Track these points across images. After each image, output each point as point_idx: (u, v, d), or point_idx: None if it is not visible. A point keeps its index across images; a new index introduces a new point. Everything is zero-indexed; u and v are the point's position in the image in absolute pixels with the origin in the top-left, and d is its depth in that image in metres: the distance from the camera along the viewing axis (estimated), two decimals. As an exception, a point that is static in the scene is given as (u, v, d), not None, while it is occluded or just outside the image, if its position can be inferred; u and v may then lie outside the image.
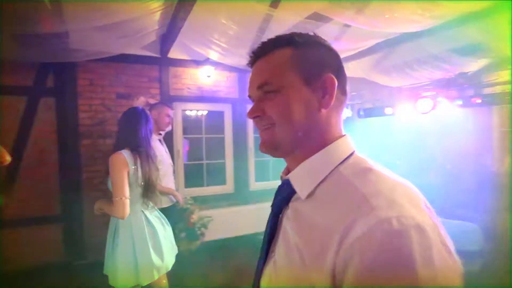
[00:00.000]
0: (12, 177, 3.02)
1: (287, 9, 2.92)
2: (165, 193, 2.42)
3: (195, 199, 3.83)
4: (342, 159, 0.55)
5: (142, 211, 1.84)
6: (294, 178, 0.58)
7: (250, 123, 4.39)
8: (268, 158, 4.61)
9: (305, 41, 0.59)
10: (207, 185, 4.22)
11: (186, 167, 4.06)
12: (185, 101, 3.94)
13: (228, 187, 4.29)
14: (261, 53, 0.60)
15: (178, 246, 3.47)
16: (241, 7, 2.90)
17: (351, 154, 0.56)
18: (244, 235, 3.96)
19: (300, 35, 0.60)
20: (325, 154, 0.56)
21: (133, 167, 1.74)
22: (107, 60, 3.15)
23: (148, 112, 1.95)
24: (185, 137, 4.09)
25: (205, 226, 3.67)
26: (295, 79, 0.56)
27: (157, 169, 1.92)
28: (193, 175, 4.16)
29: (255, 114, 0.60)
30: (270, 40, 0.60)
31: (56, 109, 3.16)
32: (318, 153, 0.56)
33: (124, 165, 1.70)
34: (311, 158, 0.56)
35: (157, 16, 2.65)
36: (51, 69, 3.11)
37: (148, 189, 1.84)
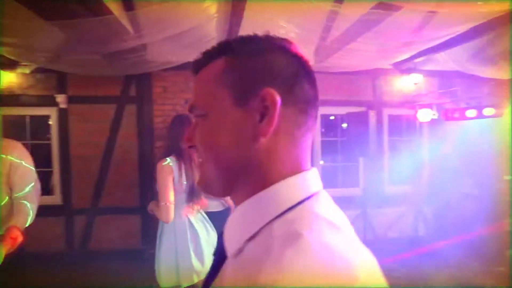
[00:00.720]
0: (105, 173, 3.60)
1: (352, 2, 2.63)
2: (215, 197, 2.47)
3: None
4: (285, 208, 0.39)
5: (187, 215, 1.91)
6: (227, 226, 0.46)
7: (317, 126, 4.17)
8: (335, 163, 4.30)
9: (246, 47, 0.45)
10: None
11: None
12: (249, 104, 3.98)
13: (291, 192, 4.16)
14: (197, 67, 0.48)
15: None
16: (301, 8, 2.74)
17: (304, 200, 0.40)
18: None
19: (241, 39, 0.46)
20: (260, 200, 0.41)
21: (177, 173, 1.82)
22: (178, 69, 3.43)
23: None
24: None
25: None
26: (225, 99, 0.43)
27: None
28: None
29: (188, 144, 0.49)
30: (207, 50, 0.48)
31: (137, 114, 3.62)
32: (252, 197, 0.42)
33: (169, 172, 1.79)
34: (244, 204, 0.43)
35: (214, 23, 2.73)
36: (133, 80, 3.57)
37: (193, 194, 1.90)
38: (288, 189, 0.41)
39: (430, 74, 4.06)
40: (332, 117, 4.29)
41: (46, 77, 3.56)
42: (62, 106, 3.53)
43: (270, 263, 0.32)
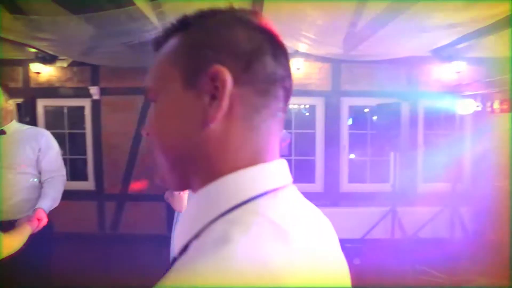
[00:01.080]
0: (133, 160, 3.77)
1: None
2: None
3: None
4: (231, 206, 0.34)
5: (201, 205, 1.91)
6: (178, 223, 0.42)
7: (345, 118, 3.98)
8: (366, 157, 4.09)
9: (202, 22, 0.39)
10: (294, 182, 4.09)
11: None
12: (274, 95, 3.90)
13: (316, 186, 4.05)
14: (156, 46, 0.43)
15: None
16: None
17: (257, 197, 0.35)
18: (329, 239, 3.66)
19: (200, 14, 0.40)
20: (205, 195, 0.37)
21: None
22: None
23: None
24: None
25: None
26: (175, 80, 0.38)
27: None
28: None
29: (144, 131, 0.44)
30: (166, 27, 0.43)
31: (164, 105, 3.72)
32: (199, 192, 0.37)
33: (183, 161, 1.80)
34: (192, 199, 0.38)
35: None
36: (160, 71, 3.66)
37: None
38: (238, 183, 0.36)
39: (475, 61, 3.67)
40: (366, 110, 4.05)
41: (81, 70, 3.78)
42: (95, 97, 3.74)
43: (186, 268, 0.28)
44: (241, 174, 0.36)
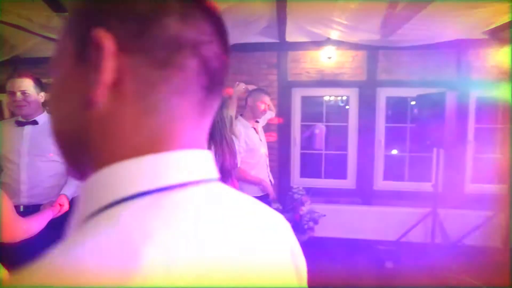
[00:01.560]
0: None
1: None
2: (253, 182, 2.39)
3: (309, 190, 3.64)
4: (98, 208, 0.28)
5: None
6: None
7: (382, 110, 3.68)
8: (404, 153, 3.76)
9: None
10: (325, 178, 3.92)
11: (303, 156, 3.91)
12: (304, 86, 3.74)
13: (348, 183, 3.82)
14: None
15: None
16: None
17: (137, 196, 0.27)
18: (358, 239, 3.44)
19: None
20: (82, 193, 0.31)
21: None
22: (231, 50, 3.40)
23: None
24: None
25: (315, 220, 3.46)
26: (68, 54, 0.31)
27: (234, 156, 1.91)
28: (310, 165, 3.97)
29: None
30: None
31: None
32: (81, 186, 0.31)
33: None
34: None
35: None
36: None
37: (222, 176, 1.86)
38: (112, 179, 0.28)
39: (544, 42, 3.11)
40: (413, 102, 3.65)
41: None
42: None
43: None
44: (119, 167, 0.29)
